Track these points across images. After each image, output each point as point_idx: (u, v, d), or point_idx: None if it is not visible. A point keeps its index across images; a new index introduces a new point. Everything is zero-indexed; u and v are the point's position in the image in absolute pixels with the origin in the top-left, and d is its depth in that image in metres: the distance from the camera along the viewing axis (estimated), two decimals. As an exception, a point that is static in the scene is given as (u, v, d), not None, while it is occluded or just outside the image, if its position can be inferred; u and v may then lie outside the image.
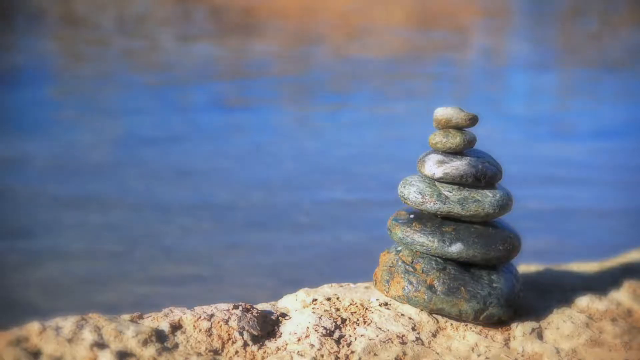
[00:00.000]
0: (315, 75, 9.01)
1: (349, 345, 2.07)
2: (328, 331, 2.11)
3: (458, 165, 2.24)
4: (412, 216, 2.30)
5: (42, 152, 5.80)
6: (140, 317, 2.07)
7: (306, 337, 2.08)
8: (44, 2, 13.26)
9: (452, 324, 2.20)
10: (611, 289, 2.48)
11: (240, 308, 2.14)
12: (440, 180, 2.25)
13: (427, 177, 2.28)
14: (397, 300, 2.25)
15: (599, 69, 9.52)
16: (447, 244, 2.21)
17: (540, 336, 2.21)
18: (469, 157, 2.26)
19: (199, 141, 6.19)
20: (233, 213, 4.91)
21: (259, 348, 2.04)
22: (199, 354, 1.97)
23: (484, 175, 2.25)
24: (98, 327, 1.96)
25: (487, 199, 2.24)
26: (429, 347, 2.11)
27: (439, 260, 2.25)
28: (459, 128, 2.27)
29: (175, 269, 4.17)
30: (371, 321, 2.18)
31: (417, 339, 2.13)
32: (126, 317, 2.05)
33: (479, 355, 2.10)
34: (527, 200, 4.81)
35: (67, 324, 1.95)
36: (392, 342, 2.09)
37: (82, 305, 3.54)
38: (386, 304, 2.26)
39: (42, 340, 1.89)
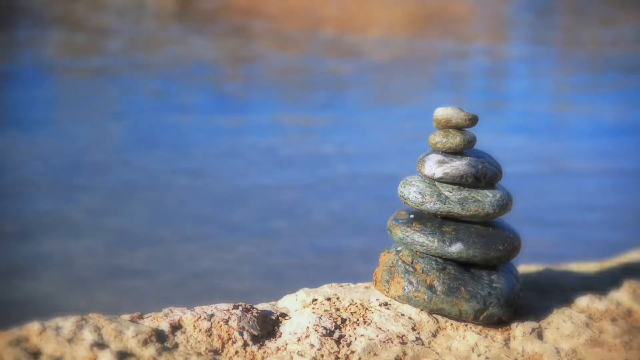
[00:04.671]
0: (312, 76, 9.01)
1: (349, 345, 2.07)
2: (328, 331, 2.11)
3: (458, 165, 2.24)
4: (412, 216, 2.30)
5: (41, 151, 5.80)
6: (140, 317, 2.07)
7: (306, 337, 2.08)
8: (44, 1, 13.26)
9: (452, 324, 2.20)
10: (611, 289, 2.48)
11: (240, 308, 2.14)
12: (440, 180, 2.25)
13: (427, 177, 2.28)
14: (397, 300, 2.25)
15: (598, 69, 9.51)
16: (447, 244, 2.21)
17: (540, 336, 2.21)
18: (469, 157, 2.26)
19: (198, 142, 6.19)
20: (233, 212, 4.91)
21: (259, 348, 2.04)
22: (199, 354, 1.97)
23: (484, 175, 2.25)
24: (98, 327, 1.96)
25: (487, 199, 2.24)
26: (429, 347, 2.11)
27: (439, 260, 2.25)
28: (458, 128, 2.27)
29: (174, 268, 4.17)
30: (371, 321, 2.18)
31: (417, 339, 2.13)
32: (126, 317, 2.05)
33: (479, 355, 2.10)
34: (527, 201, 4.80)
35: (67, 324, 1.95)
36: (392, 342, 2.09)
37: (82, 305, 3.54)
38: (386, 304, 2.26)
39: (42, 340, 1.89)
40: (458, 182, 2.25)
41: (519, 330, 2.22)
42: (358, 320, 2.18)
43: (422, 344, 2.11)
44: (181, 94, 7.81)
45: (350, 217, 4.88)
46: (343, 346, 2.07)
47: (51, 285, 3.92)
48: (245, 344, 2.03)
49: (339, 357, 2.03)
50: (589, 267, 2.76)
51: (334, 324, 2.15)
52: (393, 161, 5.74)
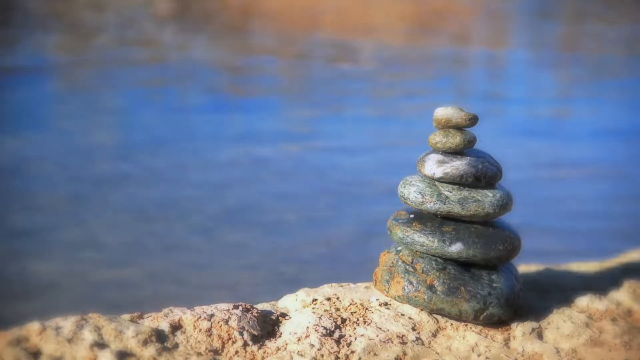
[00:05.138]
0: (312, 76, 9.01)
1: (349, 345, 2.07)
2: (328, 331, 2.11)
3: (458, 165, 2.24)
4: (412, 216, 2.30)
5: (41, 152, 5.80)
6: (140, 317, 2.07)
7: (306, 337, 2.08)
8: (43, 2, 13.26)
9: (452, 324, 2.20)
10: (611, 289, 2.48)
11: (240, 308, 2.14)
12: (440, 180, 2.25)
13: (427, 177, 2.28)
14: (397, 300, 2.26)
15: (600, 70, 9.51)
16: (447, 244, 2.21)
17: (540, 336, 2.21)
18: (469, 157, 2.26)
19: (191, 144, 6.19)
20: (233, 212, 4.91)
21: (259, 348, 2.04)
22: (199, 354, 1.97)
23: (484, 175, 2.25)
24: (98, 327, 1.97)
25: (487, 199, 2.24)
26: (429, 347, 2.11)
27: (439, 260, 2.25)
28: (459, 128, 2.28)
29: (174, 268, 4.17)
30: (371, 321, 2.18)
31: (417, 339, 2.13)
32: (126, 317, 2.06)
33: (479, 355, 2.10)
34: (526, 200, 4.80)
35: (67, 324, 1.96)
36: (392, 342, 2.09)
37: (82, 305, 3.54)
38: (386, 304, 2.26)
39: (42, 340, 1.89)
40: (458, 182, 2.25)
41: (519, 330, 2.22)
42: (358, 320, 2.18)
43: (422, 344, 2.11)
44: (179, 94, 7.81)
45: (350, 216, 4.88)
46: (343, 346, 2.07)
47: (51, 285, 3.92)
48: (245, 344, 2.03)
49: (339, 357, 2.03)
50: (589, 267, 2.76)
51: (334, 324, 2.15)
52: (392, 161, 5.73)
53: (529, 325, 2.23)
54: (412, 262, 2.25)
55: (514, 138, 6.56)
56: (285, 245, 4.47)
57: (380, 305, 2.25)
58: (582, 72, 9.41)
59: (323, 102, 7.79)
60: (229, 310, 2.12)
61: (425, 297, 2.20)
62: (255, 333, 2.07)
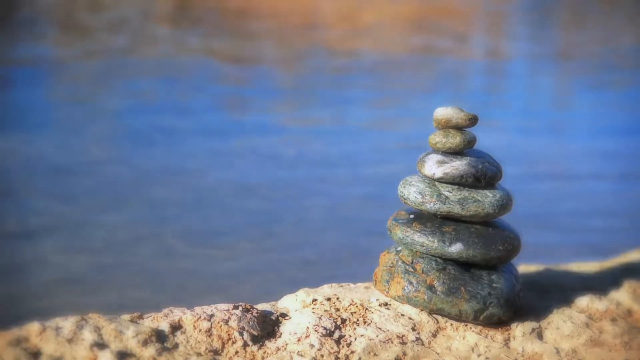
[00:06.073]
0: (311, 77, 9.01)
1: (349, 345, 2.07)
2: (328, 331, 2.11)
3: (458, 165, 2.24)
4: (412, 216, 2.30)
5: (41, 152, 5.81)
6: (140, 317, 2.07)
7: (306, 337, 2.08)
8: (43, 3, 13.26)
9: (452, 324, 2.21)
10: (611, 289, 2.48)
11: (240, 308, 2.14)
12: (440, 180, 2.26)
13: (427, 177, 2.29)
14: (397, 300, 2.26)
15: (600, 69, 9.52)
16: (447, 244, 2.21)
17: (540, 336, 2.21)
18: (469, 157, 2.26)
19: (194, 141, 6.19)
20: (232, 212, 4.91)
21: (259, 348, 2.04)
22: (199, 354, 1.97)
23: (484, 175, 2.25)
24: (98, 327, 1.97)
25: (487, 199, 2.24)
26: (429, 347, 2.11)
27: (439, 260, 2.25)
28: (459, 128, 2.28)
29: (174, 269, 4.17)
30: (371, 321, 2.18)
31: (417, 339, 2.13)
32: (126, 317, 2.06)
33: (479, 355, 2.10)
34: (526, 200, 4.79)
35: (67, 324, 1.96)
36: (392, 342, 2.10)
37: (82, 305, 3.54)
38: (386, 304, 2.26)
39: (42, 340, 1.89)
40: (458, 182, 2.25)
41: (519, 330, 2.22)
42: (358, 320, 2.18)
43: (422, 344, 2.11)
44: (178, 94, 7.81)
45: (350, 217, 4.88)
46: (343, 346, 2.07)
47: (51, 286, 3.92)
48: (245, 344, 2.03)
49: (339, 357, 2.03)
50: (589, 267, 2.76)
51: (334, 324, 2.15)
52: (393, 162, 5.73)
53: (529, 325, 2.23)
54: (412, 262, 2.26)
55: (514, 136, 6.56)
56: (284, 244, 4.47)
57: (380, 305, 2.26)
58: (582, 74, 9.41)
59: (321, 101, 7.79)
60: (229, 310, 2.12)
61: (425, 297, 2.20)
62: (255, 333, 2.07)
